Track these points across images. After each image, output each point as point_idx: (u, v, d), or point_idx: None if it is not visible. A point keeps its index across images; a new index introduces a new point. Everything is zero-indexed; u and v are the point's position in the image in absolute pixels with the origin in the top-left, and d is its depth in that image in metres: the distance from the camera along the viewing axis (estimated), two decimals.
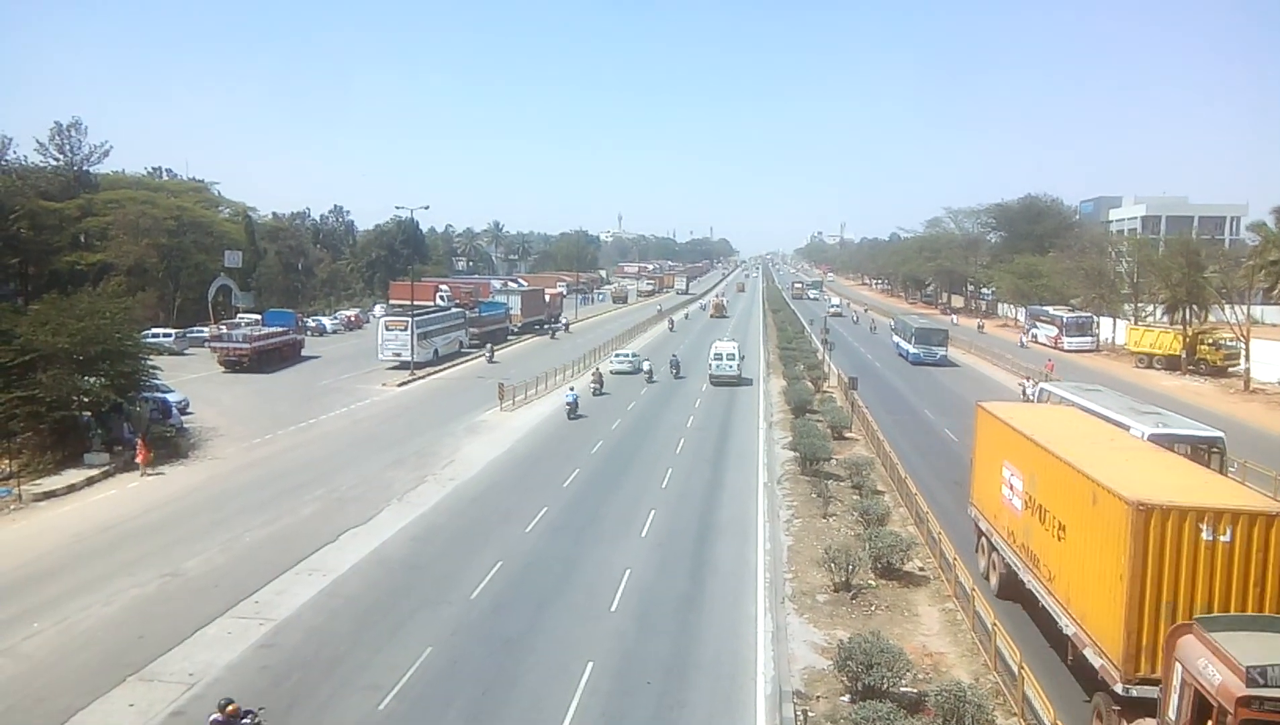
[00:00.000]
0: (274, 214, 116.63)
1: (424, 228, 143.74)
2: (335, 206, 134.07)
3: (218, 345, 60.96)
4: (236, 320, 74.26)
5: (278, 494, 31.26)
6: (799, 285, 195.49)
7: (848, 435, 42.23)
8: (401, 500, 30.98)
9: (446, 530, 27.98)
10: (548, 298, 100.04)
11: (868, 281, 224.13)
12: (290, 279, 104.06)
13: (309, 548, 25.80)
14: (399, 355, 60.84)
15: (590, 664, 18.97)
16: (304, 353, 67.68)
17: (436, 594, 22.73)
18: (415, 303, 66.74)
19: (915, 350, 70.81)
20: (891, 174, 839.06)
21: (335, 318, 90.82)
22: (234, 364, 59.07)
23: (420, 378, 58.54)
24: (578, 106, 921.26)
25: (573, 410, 46.31)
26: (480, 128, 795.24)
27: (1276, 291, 73.98)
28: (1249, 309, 68.94)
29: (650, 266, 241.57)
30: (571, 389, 49.37)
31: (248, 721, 14.66)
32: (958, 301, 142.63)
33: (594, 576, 24.26)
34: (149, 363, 39.83)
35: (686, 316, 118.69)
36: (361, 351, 67.00)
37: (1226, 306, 70.18)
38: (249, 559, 25.03)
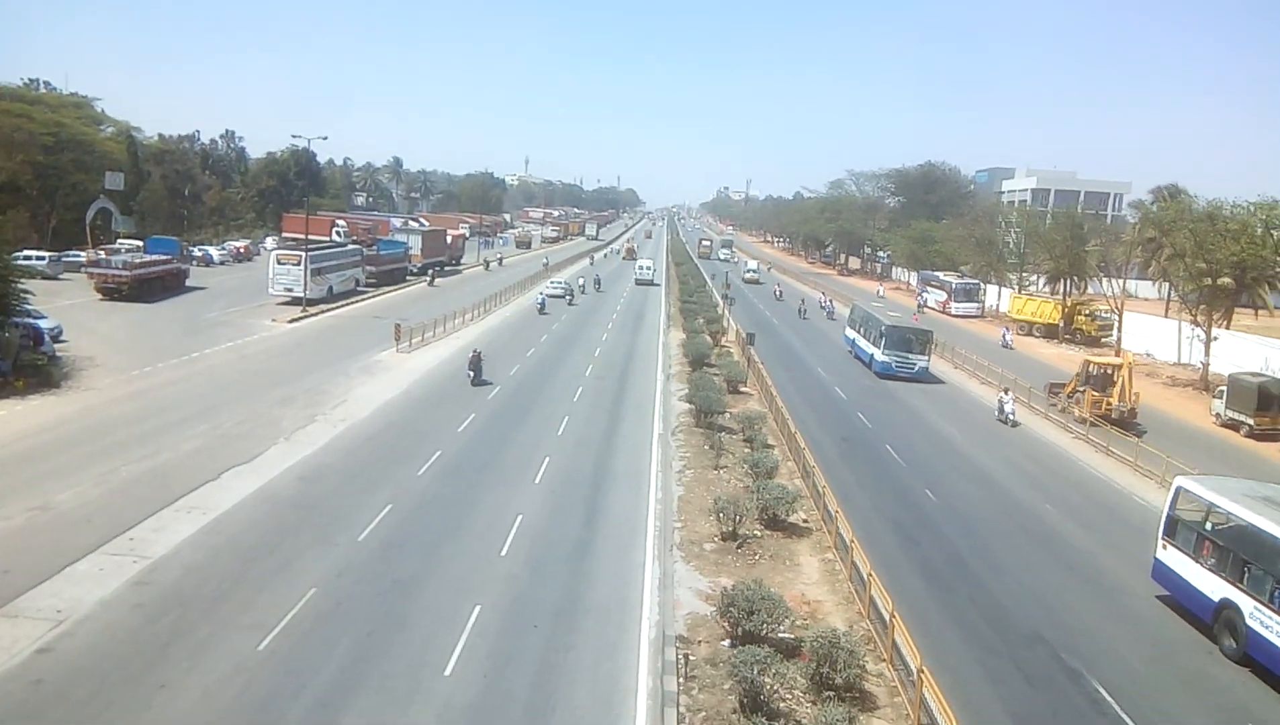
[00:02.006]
0: (160, 136, 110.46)
1: (322, 159, 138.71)
2: (227, 131, 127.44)
3: (95, 271, 57.82)
4: (116, 246, 70.45)
5: (157, 428, 30.10)
6: (706, 243, 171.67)
7: (743, 389, 43.05)
8: (289, 439, 30.25)
9: (336, 471, 27.51)
10: (449, 239, 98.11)
11: (770, 239, 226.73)
12: (176, 205, 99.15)
13: (189, 484, 25.00)
14: (291, 290, 58.94)
15: (478, 607, 19.07)
16: (188, 283, 64.85)
17: (323, 535, 22.40)
18: (310, 237, 64.60)
19: (884, 358, 50.21)
20: (799, 134, 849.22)
21: (223, 248, 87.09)
22: (112, 292, 56.20)
23: (313, 315, 56.92)
24: (486, 47, 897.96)
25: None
26: (385, 60, 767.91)
27: (1151, 267, 78.26)
28: (1124, 283, 72.75)
29: (556, 213, 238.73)
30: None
31: None
32: (855, 263, 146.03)
33: (486, 521, 24.27)
34: (20, 287, 37.57)
35: (605, 256, 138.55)
36: (250, 285, 64.66)
37: (1104, 280, 73.87)
38: (125, 494, 24.11)
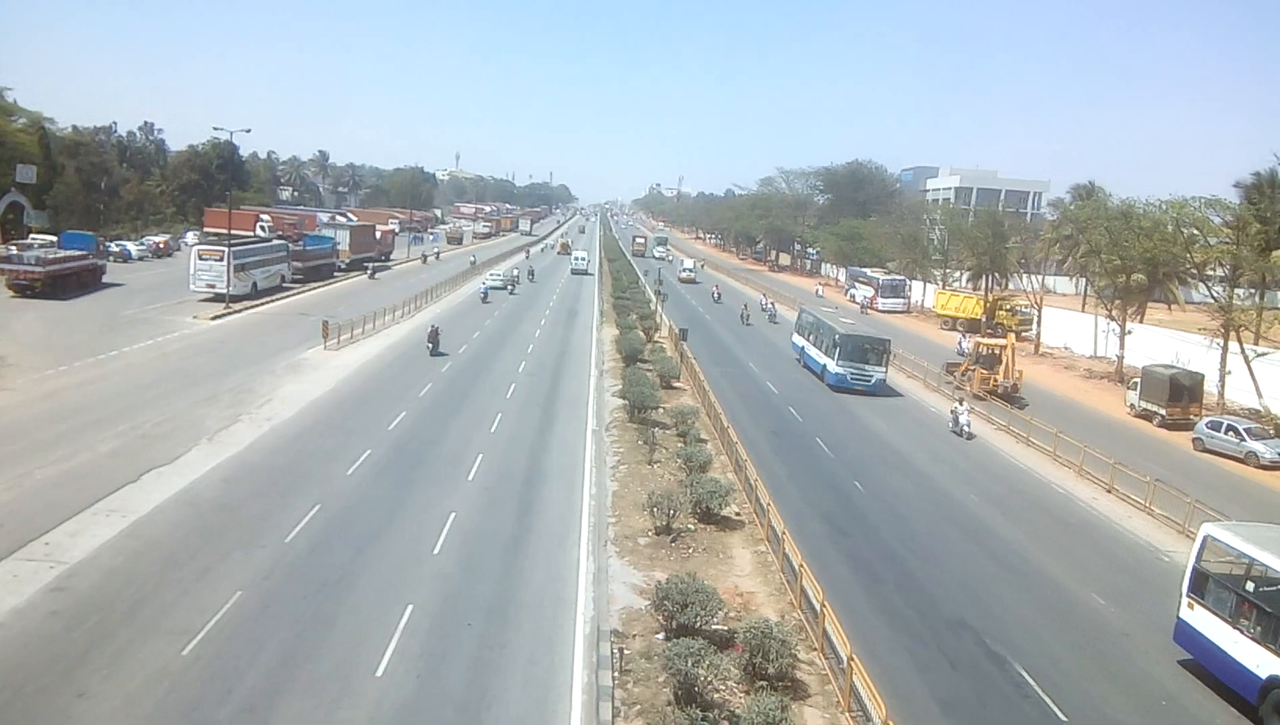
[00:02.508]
0: (74, 127, 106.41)
1: (245, 153, 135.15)
2: (145, 123, 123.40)
3: (6, 267, 55.37)
4: (29, 241, 67.62)
5: (74, 429, 29.02)
6: (640, 240, 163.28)
7: (676, 385, 43.27)
8: (213, 439, 29.45)
9: (261, 471, 26.89)
10: (379, 234, 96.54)
11: (702, 236, 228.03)
12: (91, 199, 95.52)
13: (108, 487, 24.18)
14: (213, 286, 57.31)
15: (410, 607, 18.85)
16: (105, 280, 62.56)
17: (249, 536, 21.89)
18: (233, 232, 62.93)
19: (839, 369, 45.94)
20: (730, 131, 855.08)
21: (142, 244, 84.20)
22: (24, 288, 53.98)
23: (237, 312, 55.50)
24: (416, 41, 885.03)
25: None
26: (312, 52, 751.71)
27: (1067, 263, 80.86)
28: (1043, 279, 75.01)
29: (488, 208, 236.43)
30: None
31: None
32: (785, 260, 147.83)
33: (417, 519, 24.00)
34: None
35: (541, 250, 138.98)
36: (171, 281, 62.70)
37: (1025, 276, 76.09)
38: (39, 497, 23.20)
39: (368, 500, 25.15)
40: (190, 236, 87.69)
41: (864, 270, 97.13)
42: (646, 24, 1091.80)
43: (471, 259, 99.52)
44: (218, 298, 56.66)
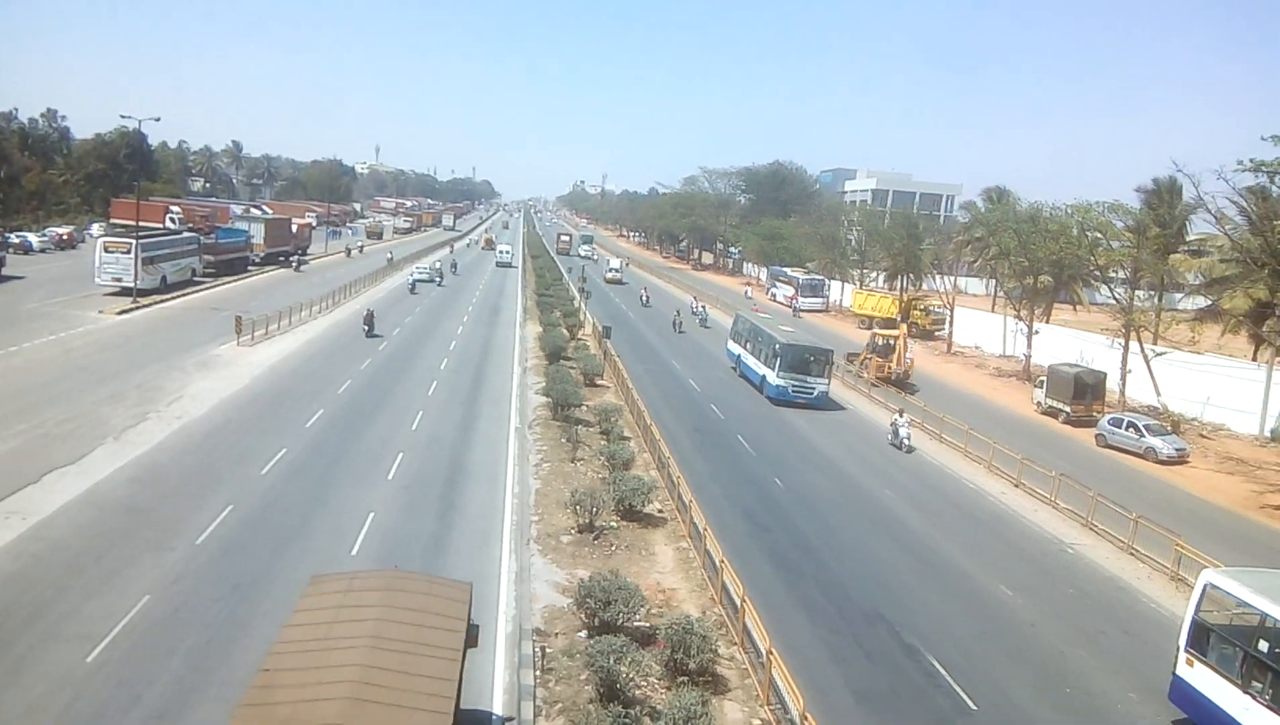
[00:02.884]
0: None
1: (155, 142, 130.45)
2: (48, 110, 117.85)
3: None
4: None
5: None
6: (565, 238, 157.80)
7: (599, 382, 43.32)
8: (119, 439, 28.42)
9: (171, 471, 26.06)
10: (295, 228, 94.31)
11: (625, 234, 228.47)
12: None
13: (6, 488, 23.12)
14: (120, 280, 55.30)
15: None
16: (5, 272, 59.87)
17: (158, 539, 21.20)
18: (141, 224, 60.76)
19: (779, 382, 43.54)
20: (654, 130, 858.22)
21: (44, 235, 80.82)
22: None
23: (145, 306, 53.61)
24: (336, 30, 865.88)
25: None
26: (226, 39, 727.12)
27: (978, 265, 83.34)
28: (956, 280, 77.17)
29: (409, 203, 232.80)
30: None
31: None
32: (708, 258, 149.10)
33: (335, 519, 23.57)
34: None
35: (468, 245, 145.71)
36: (75, 274, 60.23)
37: (938, 276, 78.21)
38: None
39: (283, 500, 24.59)
40: (96, 228, 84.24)
41: (785, 270, 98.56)
42: (570, 21, 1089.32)
43: (389, 255, 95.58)
44: (125, 292, 54.69)
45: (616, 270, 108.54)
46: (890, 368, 51.01)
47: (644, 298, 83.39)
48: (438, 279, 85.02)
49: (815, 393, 43.83)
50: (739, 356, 50.85)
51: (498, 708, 15.79)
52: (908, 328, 71.37)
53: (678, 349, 58.87)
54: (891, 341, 52.81)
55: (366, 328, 51.62)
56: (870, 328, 74.50)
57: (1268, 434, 43.97)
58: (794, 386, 43.63)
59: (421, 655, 11.47)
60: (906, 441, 37.38)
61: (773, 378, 44.23)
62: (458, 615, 12.71)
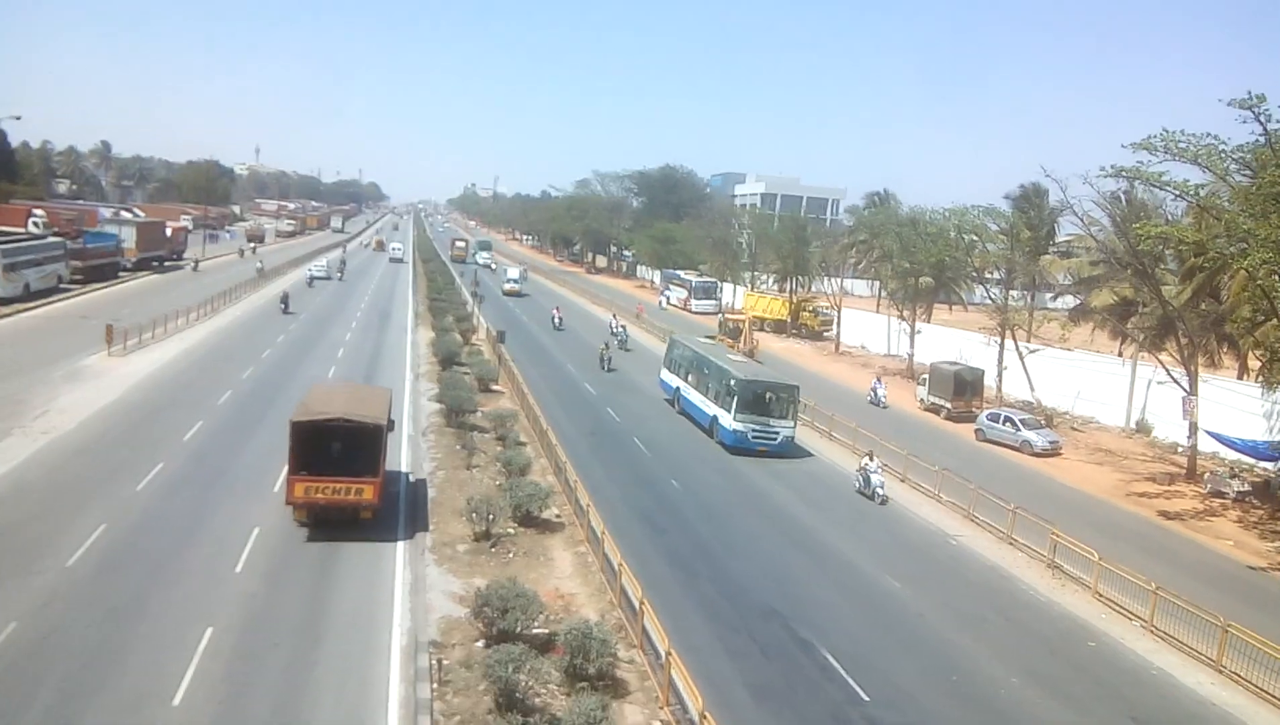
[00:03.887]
0: None
1: (15, 141, 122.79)
2: None
3: None
4: None
5: None
6: (461, 244, 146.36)
7: (494, 388, 42.85)
8: None
9: (37, 490, 24.57)
10: (169, 232, 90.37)
11: (518, 237, 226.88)
12: None
13: None
14: None
15: (210, 629, 17.75)
16: None
17: (24, 562, 19.94)
18: (1, 228, 57.17)
19: (738, 426, 36.29)
20: (546, 133, 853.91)
21: None
22: None
23: (6, 316, 50.47)
24: (209, 25, 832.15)
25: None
26: (91, 33, 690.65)
27: (863, 266, 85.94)
28: (842, 282, 79.36)
29: (292, 205, 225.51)
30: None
31: None
32: (602, 261, 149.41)
33: (217, 536, 22.61)
34: None
35: (360, 246, 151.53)
36: None
37: (826, 278, 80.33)
38: None
39: (161, 517, 23.47)
40: None
41: (678, 272, 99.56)
42: (459, 21, 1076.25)
43: (258, 266, 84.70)
44: None
45: (516, 281, 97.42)
46: (738, 347, 56.65)
47: (556, 319, 70.19)
48: (336, 275, 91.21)
49: (780, 438, 36.71)
50: (678, 390, 43.37)
51: (393, 723, 15.44)
52: (799, 329, 73.57)
53: (612, 393, 46.88)
54: (739, 325, 62.91)
55: (283, 306, 61.89)
56: (762, 329, 76.22)
57: (1133, 426, 46.63)
58: (754, 431, 36.28)
59: (371, 398, 26.60)
60: (879, 490, 31.69)
61: (728, 420, 36.72)
62: (384, 396, 27.43)
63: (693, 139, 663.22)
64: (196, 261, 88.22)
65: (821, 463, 37.35)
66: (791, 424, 37.28)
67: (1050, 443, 41.16)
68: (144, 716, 14.87)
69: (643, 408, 44.33)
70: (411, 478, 28.97)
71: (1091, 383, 49.02)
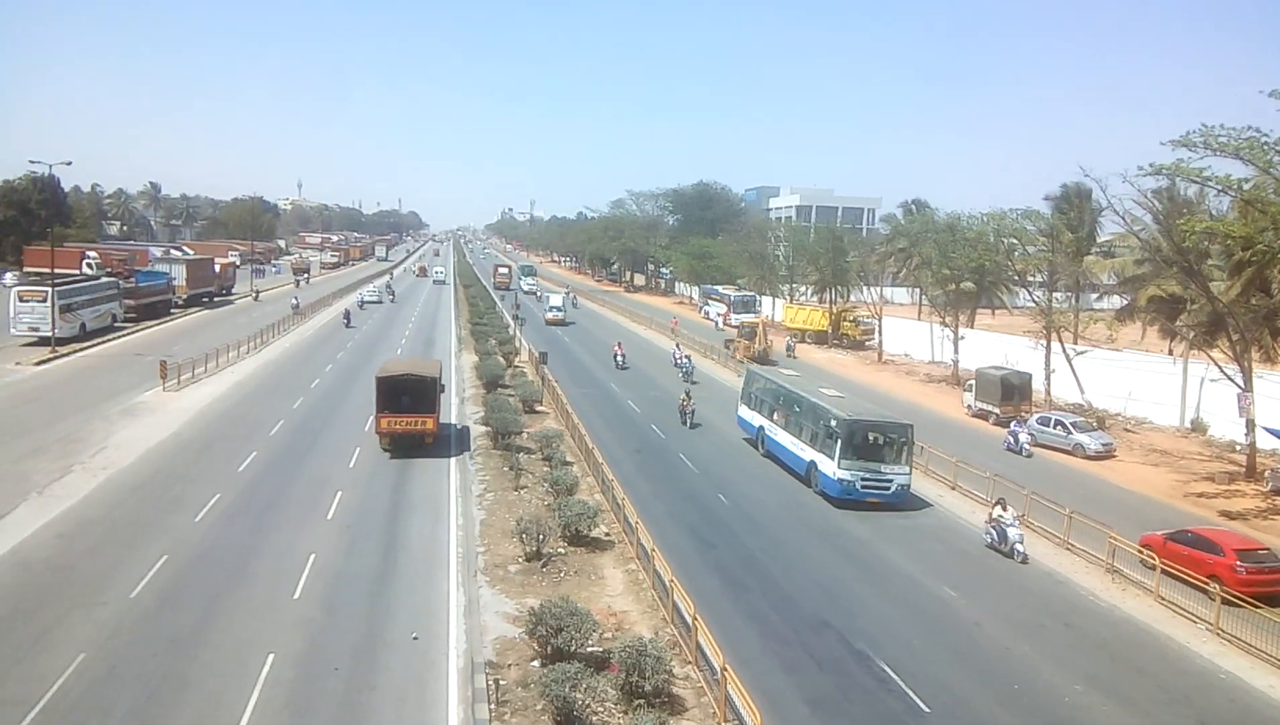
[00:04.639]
0: None
1: (67, 186, 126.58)
2: None
3: None
4: None
5: None
6: (504, 270, 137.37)
7: (539, 408, 43.15)
8: (43, 494, 27.44)
9: (100, 524, 25.22)
10: (218, 268, 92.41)
11: (556, 259, 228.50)
12: None
13: None
14: (36, 329, 53.55)
15: (271, 655, 18.07)
16: None
17: (89, 595, 20.49)
18: (57, 271, 58.95)
19: (844, 474, 31.00)
20: (580, 155, 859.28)
21: None
22: None
23: (64, 355, 51.90)
24: (251, 64, 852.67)
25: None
26: (139, 78, 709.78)
27: (902, 274, 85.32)
28: (881, 290, 78.81)
29: (335, 238, 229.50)
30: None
31: None
32: (640, 280, 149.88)
33: (274, 564, 23.04)
34: None
35: (403, 272, 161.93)
36: None
37: (864, 288, 79.82)
38: None
39: (219, 547, 23.97)
40: (9, 277, 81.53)
41: (716, 288, 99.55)
42: (491, 48, 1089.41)
43: (294, 302, 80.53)
44: (42, 341, 52.99)
45: (559, 308, 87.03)
46: (754, 348, 62.17)
47: (619, 358, 60.40)
48: (387, 297, 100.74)
49: (894, 486, 31.39)
50: (761, 429, 38.46)
51: None
52: (839, 339, 73.45)
53: (681, 435, 41.14)
54: (754, 328, 65.70)
55: (346, 321, 73.83)
56: (803, 341, 75.86)
57: (1188, 425, 45.68)
58: (864, 479, 31.11)
59: (427, 364, 40.23)
60: (1019, 546, 26.94)
61: (830, 467, 31.59)
62: (437, 364, 41.51)
63: (725, 155, 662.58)
64: (258, 292, 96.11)
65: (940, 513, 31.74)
66: (906, 469, 31.73)
67: (1103, 445, 40.45)
68: None
69: (719, 452, 38.27)
70: (457, 426, 38.68)
71: (1143, 383, 48.12)
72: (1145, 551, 25.58)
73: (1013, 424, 41.43)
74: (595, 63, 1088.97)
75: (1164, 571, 24.13)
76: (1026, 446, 40.24)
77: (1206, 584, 23.64)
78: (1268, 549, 25.19)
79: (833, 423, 32.02)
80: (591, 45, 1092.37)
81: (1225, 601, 21.92)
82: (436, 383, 35.68)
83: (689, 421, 42.63)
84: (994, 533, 27.62)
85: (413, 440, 34.30)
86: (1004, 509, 27.85)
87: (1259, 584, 22.95)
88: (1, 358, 49.68)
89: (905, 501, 31.65)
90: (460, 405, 43.71)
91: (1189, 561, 24.69)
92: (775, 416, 37.37)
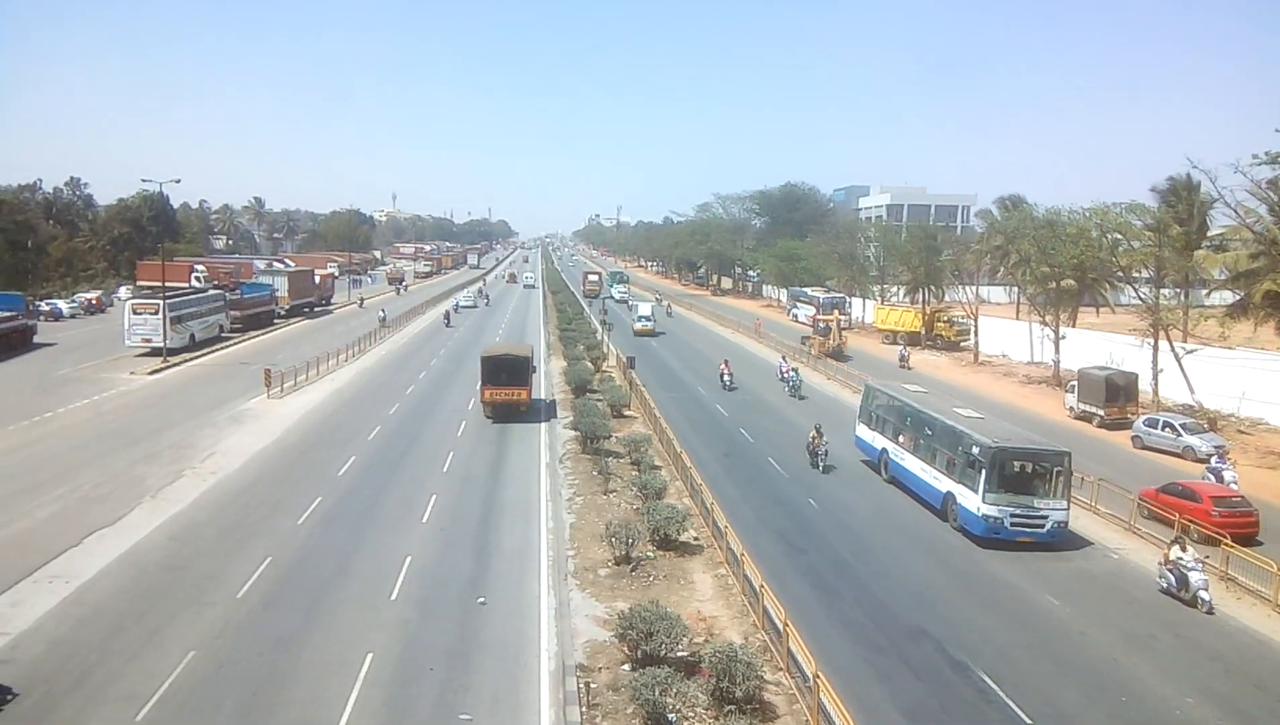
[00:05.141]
0: None
1: (176, 202, 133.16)
2: (71, 178, 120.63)
3: None
4: None
5: (9, 495, 28.13)
6: (594, 277, 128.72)
7: (627, 413, 43.33)
8: (156, 497, 28.76)
9: (208, 527, 26.30)
10: (318, 279, 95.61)
11: (643, 263, 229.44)
12: (18, 258, 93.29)
13: (48, 553, 23.46)
14: (149, 341, 56.20)
15: (370, 655, 18.54)
16: (36, 340, 60.99)
17: (198, 595, 21.37)
18: (168, 284, 61.83)
19: (990, 510, 26.88)
20: (665, 158, 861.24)
21: (73, 301, 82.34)
22: None
23: (175, 365, 54.39)
24: (347, 82, 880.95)
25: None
26: (241, 98, 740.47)
27: (999, 273, 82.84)
28: (977, 289, 76.66)
29: (428, 247, 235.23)
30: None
31: None
32: (727, 283, 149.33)
33: (372, 565, 23.65)
34: None
35: (495, 278, 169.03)
36: (105, 337, 61.30)
37: (959, 287, 77.78)
38: None
39: (320, 549, 24.72)
40: (123, 291, 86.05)
41: (805, 290, 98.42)
42: (578, 56, 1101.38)
43: (381, 314, 78.93)
44: (155, 352, 55.55)
45: (648, 318, 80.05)
46: (828, 344, 65.82)
47: (726, 377, 53.50)
48: (482, 302, 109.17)
49: (1049, 523, 27.12)
50: (884, 452, 34.57)
51: None
52: (934, 340, 71.84)
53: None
54: (829, 324, 69.27)
55: (446, 320, 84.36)
56: (894, 342, 74.40)
57: None
58: (1014, 516, 26.95)
59: (522, 347, 47.48)
60: (1203, 593, 23.05)
61: (974, 502, 27.49)
62: (530, 347, 47.65)
63: (813, 155, 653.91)
64: (363, 299, 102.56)
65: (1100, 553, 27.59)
66: (1064, 504, 27.36)
67: (1215, 447, 38.47)
68: None
69: (844, 486, 33.61)
70: (546, 400, 44.23)
71: (1257, 382, 45.64)
72: None
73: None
74: (683, 67, 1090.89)
75: None
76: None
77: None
78: (1240, 496, 29.21)
79: (975, 450, 27.74)
80: (678, 50, 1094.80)
81: None
82: (529, 362, 42.96)
83: (822, 463, 35.52)
84: (1171, 577, 23.88)
85: (510, 408, 41.36)
86: (1183, 549, 23.90)
87: (1229, 525, 27.15)
88: (118, 368, 52.31)
89: (1063, 540, 27.48)
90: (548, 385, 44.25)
91: (1175, 508, 28.50)
92: (900, 438, 33.32)
